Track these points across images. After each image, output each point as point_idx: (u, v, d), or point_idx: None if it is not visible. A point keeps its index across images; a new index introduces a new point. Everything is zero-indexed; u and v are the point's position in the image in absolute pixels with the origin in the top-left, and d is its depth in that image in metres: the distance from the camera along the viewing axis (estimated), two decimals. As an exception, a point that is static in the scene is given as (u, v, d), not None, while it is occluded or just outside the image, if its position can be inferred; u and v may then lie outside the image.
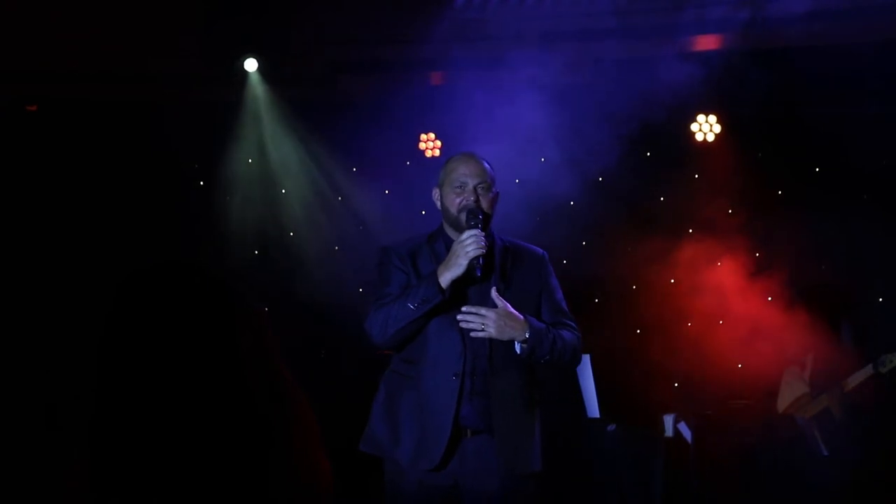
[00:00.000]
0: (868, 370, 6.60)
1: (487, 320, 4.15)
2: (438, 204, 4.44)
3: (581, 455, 7.09)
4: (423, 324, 4.23)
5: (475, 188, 4.32)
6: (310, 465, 2.05)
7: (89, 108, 8.74)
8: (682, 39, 7.61)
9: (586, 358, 7.27)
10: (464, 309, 4.17)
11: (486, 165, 4.40)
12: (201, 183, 8.91)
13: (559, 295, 4.48)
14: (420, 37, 7.77)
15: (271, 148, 8.84)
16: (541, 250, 4.51)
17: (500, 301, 4.18)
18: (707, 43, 7.67)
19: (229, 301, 2.11)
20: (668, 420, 7.46)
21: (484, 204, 4.30)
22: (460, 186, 4.33)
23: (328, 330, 8.41)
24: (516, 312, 4.19)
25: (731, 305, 7.71)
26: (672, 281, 8.10)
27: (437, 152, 8.66)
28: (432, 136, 8.69)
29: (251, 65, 8.36)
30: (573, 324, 4.42)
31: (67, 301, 8.25)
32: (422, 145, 8.70)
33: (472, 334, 4.17)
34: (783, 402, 7.02)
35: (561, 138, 7.43)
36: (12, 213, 8.45)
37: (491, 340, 4.21)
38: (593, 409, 7.45)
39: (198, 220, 8.67)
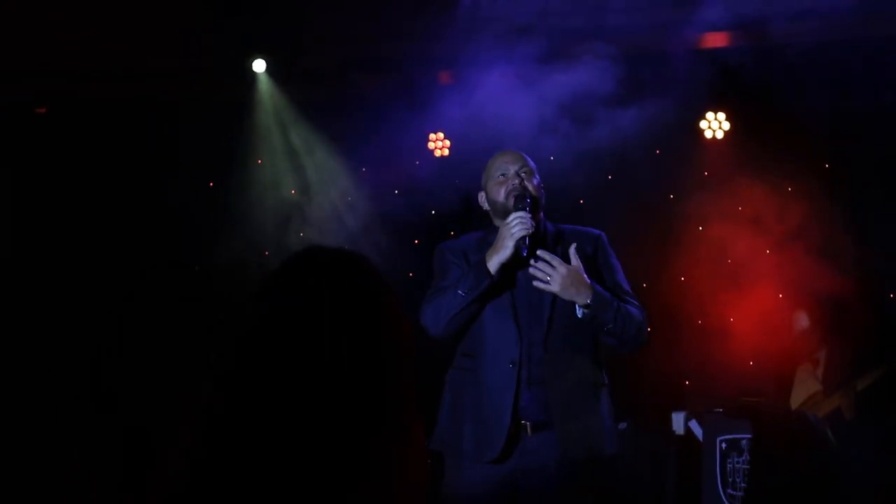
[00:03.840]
0: (881, 369, 6.58)
1: (556, 273, 4.13)
2: (486, 205, 4.45)
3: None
4: (475, 311, 4.23)
5: (517, 173, 4.34)
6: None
7: (97, 107, 8.76)
8: (692, 36, 7.59)
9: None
10: (539, 252, 4.16)
11: (526, 156, 4.44)
12: (211, 184, 8.91)
13: (620, 275, 4.47)
14: (429, 35, 7.76)
15: (280, 148, 8.84)
16: (597, 231, 4.52)
17: (575, 259, 4.16)
18: (716, 40, 7.65)
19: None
20: (679, 417, 7.44)
21: (530, 188, 4.31)
22: (503, 175, 4.36)
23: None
24: (586, 277, 4.17)
25: (742, 302, 7.70)
26: (682, 278, 8.08)
27: (446, 152, 8.64)
28: (441, 135, 8.67)
29: (259, 65, 8.36)
30: (637, 302, 4.40)
31: (76, 300, 8.29)
32: (431, 145, 8.68)
33: (535, 283, 4.16)
34: (796, 400, 7.00)
35: (569, 136, 7.40)
36: (23, 214, 8.48)
37: (548, 328, 4.20)
38: (604, 407, 7.43)
39: (206, 220, 8.66)
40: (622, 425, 7.24)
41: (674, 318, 7.99)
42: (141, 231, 8.64)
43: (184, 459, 1.82)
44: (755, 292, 7.64)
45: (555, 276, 4.13)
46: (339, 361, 1.84)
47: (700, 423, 7.35)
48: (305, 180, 8.86)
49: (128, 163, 8.61)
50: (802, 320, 7.14)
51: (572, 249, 4.18)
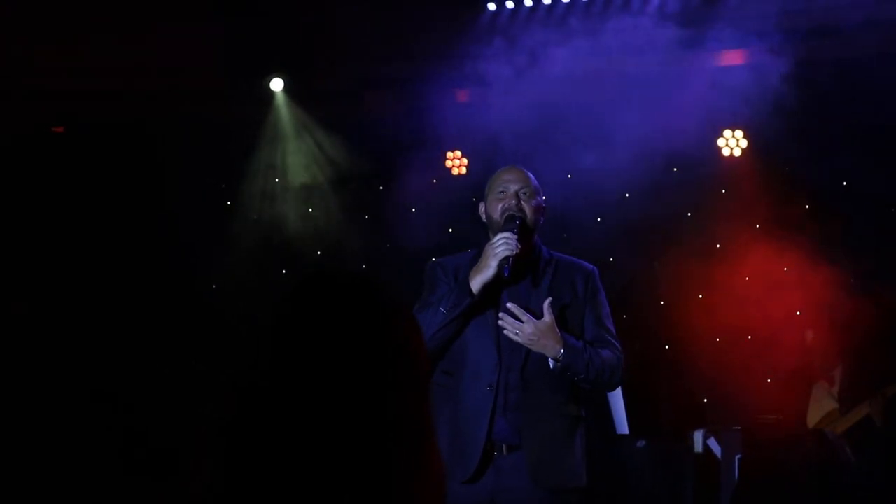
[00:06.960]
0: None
1: (523, 327, 4.15)
2: (484, 217, 4.46)
3: (610, 471, 7.06)
4: (457, 330, 4.24)
5: (517, 193, 4.34)
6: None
7: (113, 127, 8.80)
8: (709, 54, 7.59)
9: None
10: (508, 305, 4.18)
11: (530, 175, 4.44)
12: (228, 202, 8.94)
13: (605, 311, 4.46)
14: (446, 53, 7.78)
15: (297, 167, 8.87)
16: (591, 266, 4.51)
17: (548, 314, 4.17)
18: (733, 58, 7.65)
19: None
20: (698, 436, 7.43)
21: (527, 210, 4.32)
22: (502, 192, 4.37)
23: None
24: (558, 332, 4.17)
25: (759, 320, 7.68)
26: (700, 296, 8.07)
27: (463, 170, 8.64)
28: (458, 153, 8.67)
29: (277, 84, 8.40)
30: (616, 343, 4.40)
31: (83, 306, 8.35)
32: (448, 163, 8.69)
33: (505, 332, 4.19)
34: (813, 418, 6.97)
35: (585, 155, 7.41)
36: (39, 234, 8.53)
37: (526, 355, 4.21)
38: (622, 425, 7.43)
39: (224, 239, 8.70)
40: (640, 443, 7.23)
41: (692, 336, 7.97)
42: (154, 244, 8.65)
43: (211, 471, 1.85)
44: (773, 310, 7.62)
45: (522, 330, 4.15)
46: (354, 382, 1.87)
47: (718, 441, 7.33)
48: (322, 198, 8.88)
49: (144, 179, 8.64)
50: (808, 336, 7.14)
51: (546, 304, 4.18)
